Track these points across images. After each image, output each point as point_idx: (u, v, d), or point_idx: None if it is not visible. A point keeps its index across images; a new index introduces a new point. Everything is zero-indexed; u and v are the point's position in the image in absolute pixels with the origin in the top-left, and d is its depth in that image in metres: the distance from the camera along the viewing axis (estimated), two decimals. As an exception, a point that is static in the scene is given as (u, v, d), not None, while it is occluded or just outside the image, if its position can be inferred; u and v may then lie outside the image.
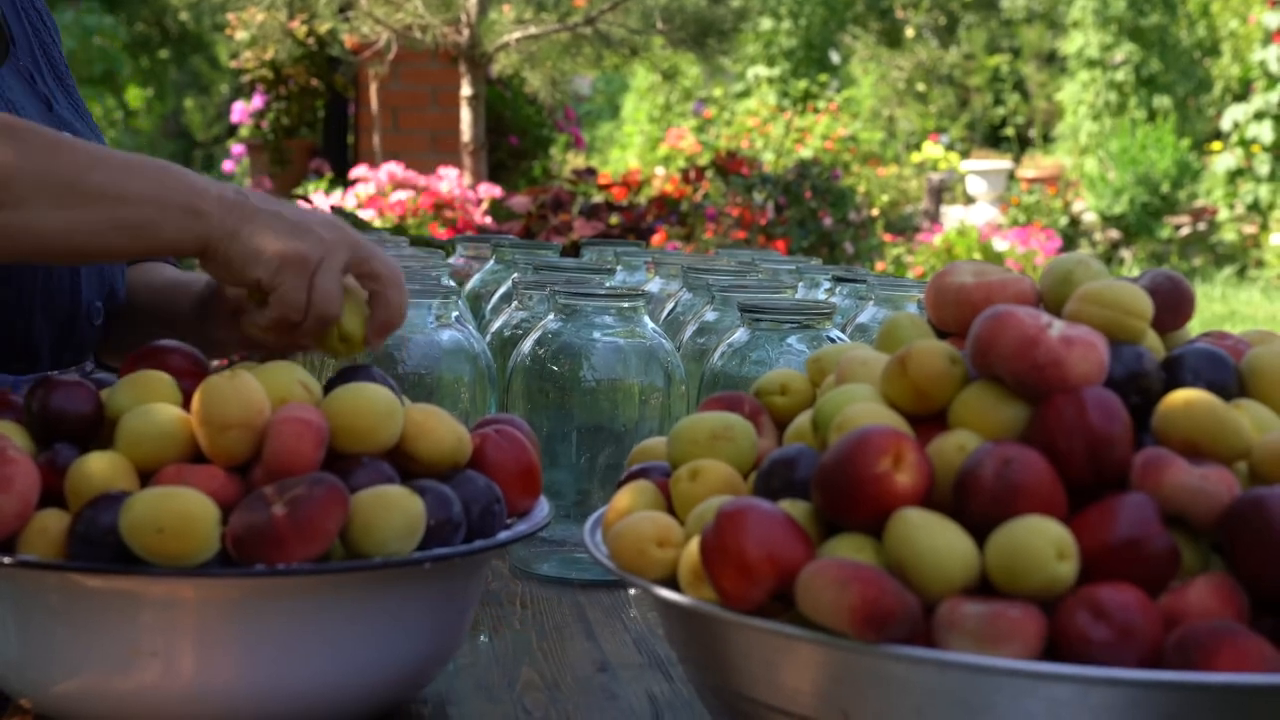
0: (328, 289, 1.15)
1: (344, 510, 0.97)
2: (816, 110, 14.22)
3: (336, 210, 4.58)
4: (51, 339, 1.44)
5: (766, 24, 17.01)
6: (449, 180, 6.99)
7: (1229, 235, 13.87)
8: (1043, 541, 0.82)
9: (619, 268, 1.98)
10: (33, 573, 0.97)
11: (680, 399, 1.48)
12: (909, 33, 19.30)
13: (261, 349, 1.23)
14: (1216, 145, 14.71)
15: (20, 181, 1.11)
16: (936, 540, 0.83)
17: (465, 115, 7.22)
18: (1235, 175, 13.98)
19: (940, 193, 14.58)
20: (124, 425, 1.02)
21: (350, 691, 1.02)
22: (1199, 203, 14.60)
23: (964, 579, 0.83)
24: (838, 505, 0.88)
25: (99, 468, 1.00)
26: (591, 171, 7.71)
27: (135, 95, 16.21)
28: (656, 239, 7.11)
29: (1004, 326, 0.90)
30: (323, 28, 7.89)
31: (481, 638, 1.27)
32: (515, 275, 1.79)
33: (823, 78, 17.00)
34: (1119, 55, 16.07)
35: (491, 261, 1.98)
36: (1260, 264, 13.53)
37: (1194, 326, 1.03)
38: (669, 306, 1.78)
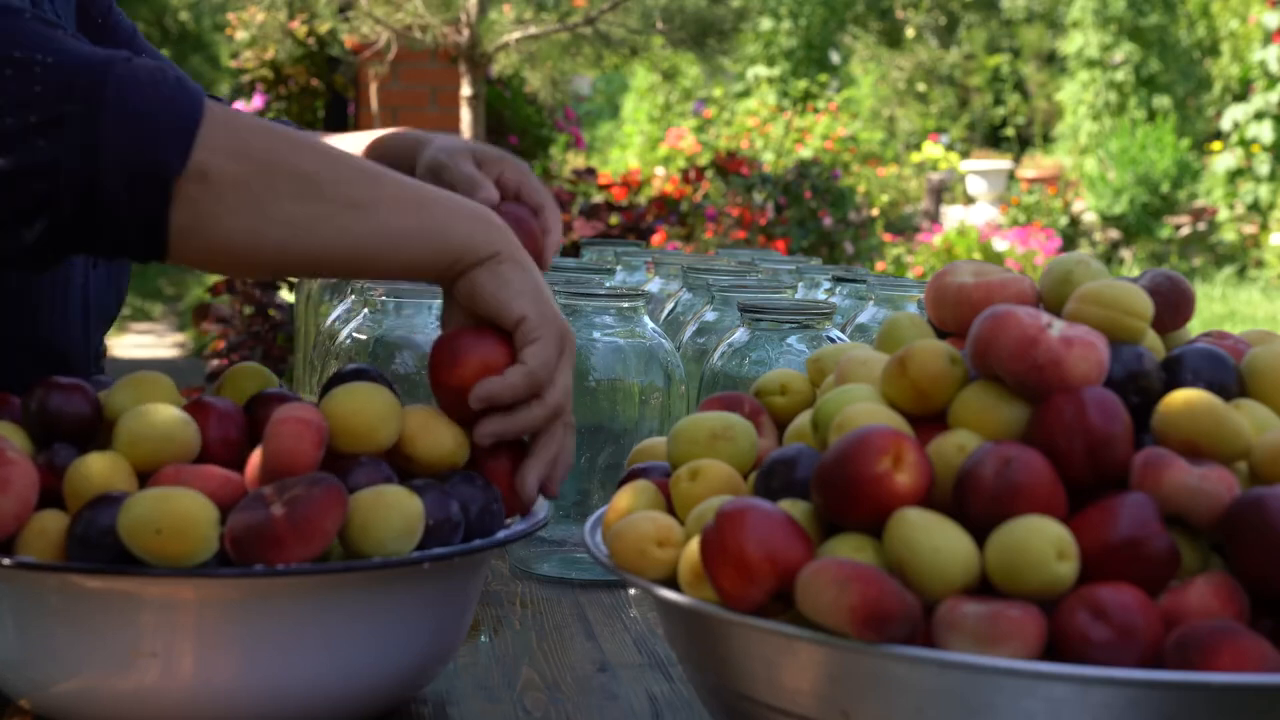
0: (568, 383, 1.09)
1: (342, 510, 0.97)
2: (816, 110, 14.22)
3: None
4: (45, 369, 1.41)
5: (766, 24, 17.03)
6: (449, 180, 6.97)
7: (1229, 235, 13.88)
8: (1043, 541, 0.82)
9: (619, 268, 1.98)
10: (32, 573, 0.97)
11: (680, 399, 1.48)
12: (909, 33, 19.31)
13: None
14: (1216, 145, 14.72)
15: (311, 177, 1.03)
16: (936, 540, 0.83)
17: (465, 115, 7.23)
18: (1235, 175, 13.99)
19: (940, 193, 14.59)
20: (122, 426, 1.02)
21: (350, 691, 1.02)
22: (1199, 203, 14.61)
23: (964, 579, 0.83)
24: (838, 505, 0.88)
25: (97, 468, 1.00)
26: (591, 171, 7.71)
27: (135, 95, 16.14)
28: (656, 239, 7.12)
29: (1004, 326, 0.90)
30: (323, 28, 7.89)
31: (481, 638, 1.27)
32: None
33: (823, 78, 17.01)
34: (1119, 55, 16.07)
35: (491, 261, 1.97)
36: (1260, 264, 13.54)
37: (1194, 326, 1.03)
38: (669, 306, 1.78)
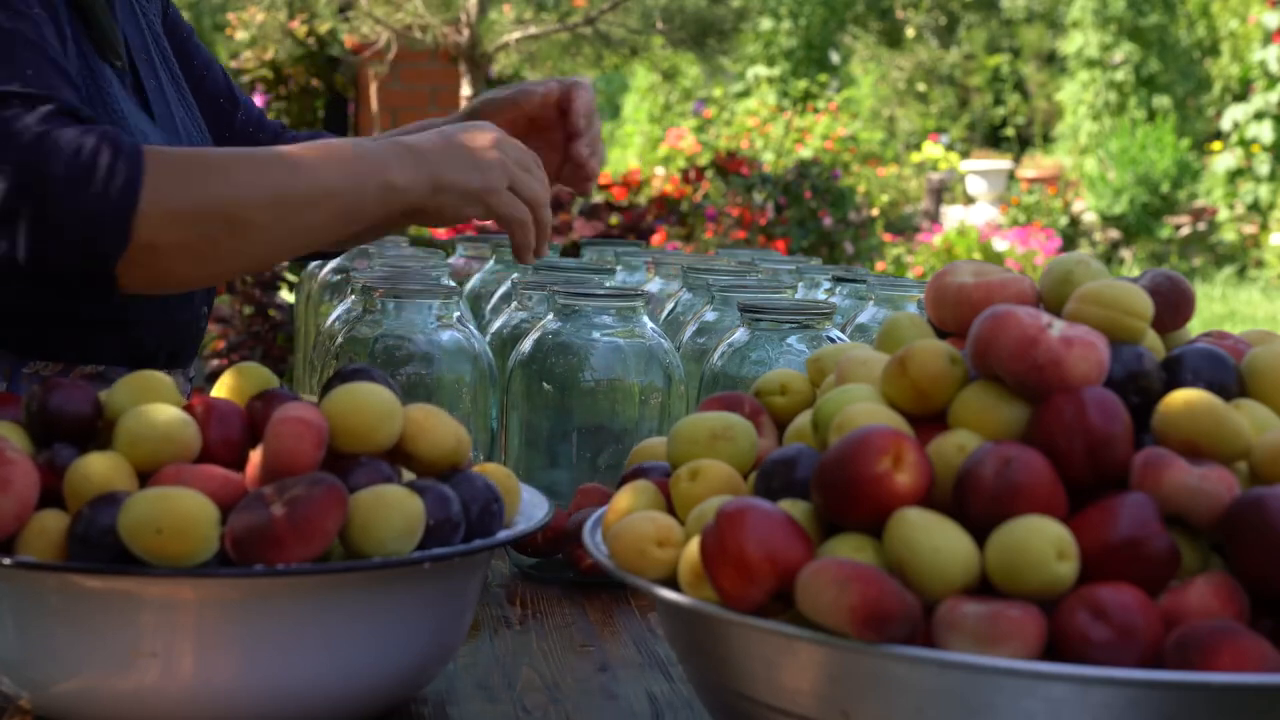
0: (534, 192, 1.34)
1: (343, 510, 0.97)
2: (816, 110, 14.21)
3: None
4: (166, 343, 1.48)
5: (766, 24, 17.02)
6: (449, 180, 6.96)
7: (1229, 235, 13.88)
8: (1043, 541, 0.82)
9: (619, 268, 1.98)
10: (32, 573, 0.97)
11: (680, 399, 1.48)
12: (909, 33, 19.32)
13: None
14: (1216, 145, 14.71)
15: (245, 212, 1.23)
16: (936, 540, 0.83)
17: (465, 115, 7.21)
18: (1235, 175, 13.98)
19: (940, 193, 14.59)
20: (123, 426, 1.02)
21: (350, 691, 1.02)
22: (1199, 203, 14.60)
23: (964, 579, 0.83)
24: (838, 505, 0.88)
25: (98, 468, 1.00)
26: (591, 171, 7.69)
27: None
28: (656, 239, 7.12)
29: (1004, 326, 0.90)
30: (323, 28, 7.90)
31: (482, 638, 1.27)
32: (515, 275, 1.79)
33: (823, 78, 17.01)
34: (1118, 55, 16.08)
35: (491, 261, 1.98)
36: (1260, 264, 13.53)
37: (1194, 326, 1.02)
38: (669, 306, 1.78)
